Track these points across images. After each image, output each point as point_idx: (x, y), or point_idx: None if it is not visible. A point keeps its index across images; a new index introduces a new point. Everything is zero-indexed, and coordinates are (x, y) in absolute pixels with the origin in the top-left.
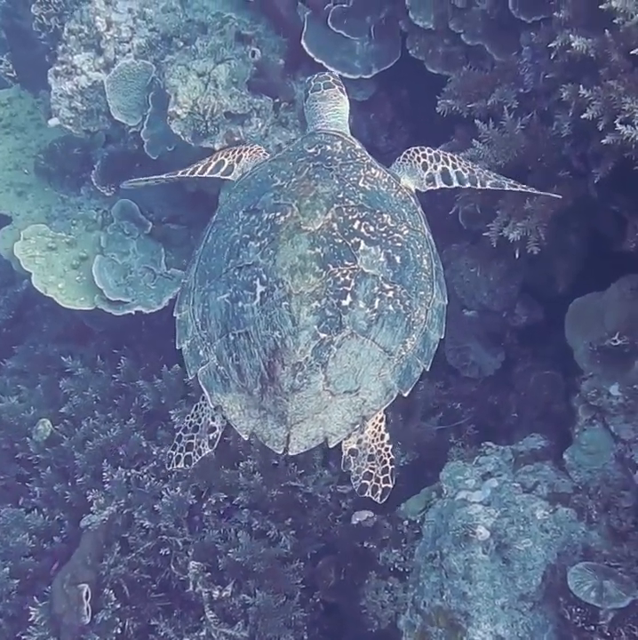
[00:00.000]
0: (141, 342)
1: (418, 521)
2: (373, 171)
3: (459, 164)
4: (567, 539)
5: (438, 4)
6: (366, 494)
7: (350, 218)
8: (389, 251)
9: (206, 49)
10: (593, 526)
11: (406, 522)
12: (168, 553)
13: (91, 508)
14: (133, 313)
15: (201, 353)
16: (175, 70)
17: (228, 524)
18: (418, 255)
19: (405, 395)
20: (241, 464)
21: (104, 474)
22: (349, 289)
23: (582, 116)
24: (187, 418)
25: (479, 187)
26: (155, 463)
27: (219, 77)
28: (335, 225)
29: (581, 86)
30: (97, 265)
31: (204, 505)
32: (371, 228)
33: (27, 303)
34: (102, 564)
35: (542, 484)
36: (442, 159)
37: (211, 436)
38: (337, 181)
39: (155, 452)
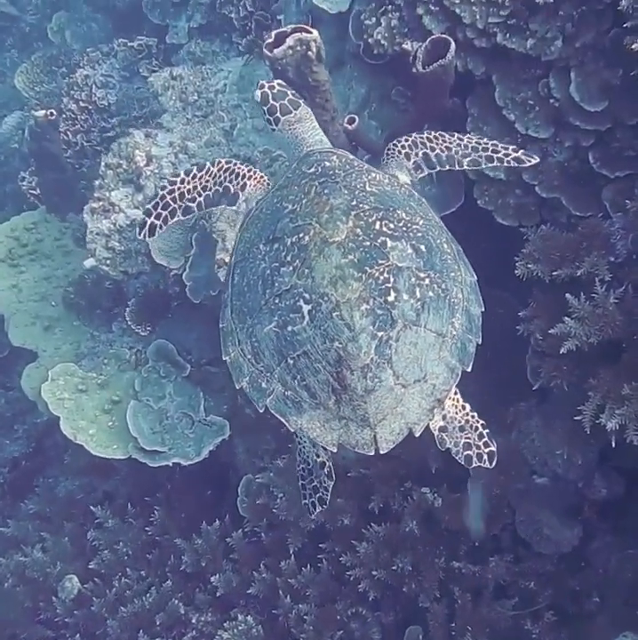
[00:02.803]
0: (174, 489)
1: None
2: (374, 174)
3: (438, 145)
4: None
5: None
6: (474, 464)
7: (370, 220)
8: (413, 242)
9: None
10: None
11: None
12: None
13: None
14: (170, 465)
15: (263, 385)
16: (222, 213)
17: None
18: (438, 241)
19: (469, 370)
20: None
21: None
22: (390, 285)
23: None
24: (298, 466)
25: (457, 168)
26: (194, 633)
27: None
28: (358, 230)
29: None
30: (131, 411)
31: None
32: (391, 225)
33: (47, 431)
34: None
35: None
36: (420, 144)
37: (325, 470)
38: (346, 191)
39: (194, 620)
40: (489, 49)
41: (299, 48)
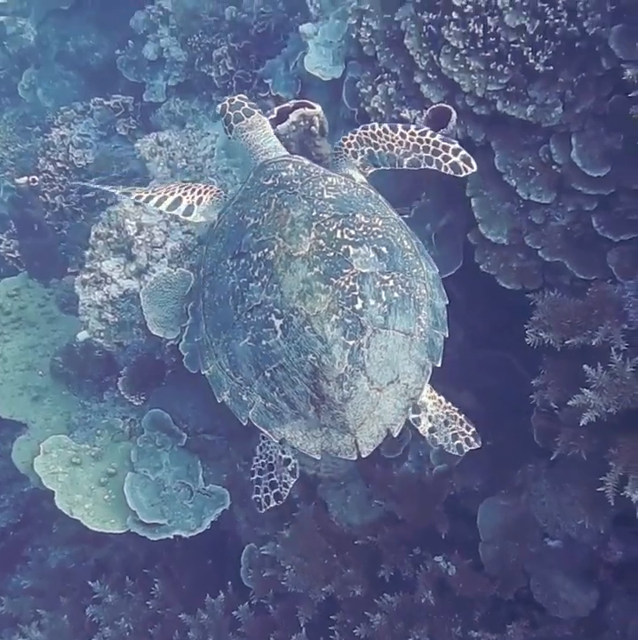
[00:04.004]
0: (174, 559)
1: None
2: (330, 179)
3: (381, 142)
4: None
5: (511, 218)
6: (465, 450)
7: (331, 230)
8: (375, 245)
9: None
10: None
11: None
12: None
13: None
14: (172, 537)
15: (244, 398)
16: None
17: None
18: (398, 239)
19: (438, 365)
20: None
21: None
22: (357, 293)
23: None
24: (256, 461)
25: (398, 168)
26: None
27: None
28: (321, 241)
29: None
30: (129, 483)
31: None
32: (352, 232)
33: (33, 500)
34: None
35: None
36: (365, 141)
37: (289, 467)
38: (305, 202)
39: None
40: (488, 116)
41: (302, 123)
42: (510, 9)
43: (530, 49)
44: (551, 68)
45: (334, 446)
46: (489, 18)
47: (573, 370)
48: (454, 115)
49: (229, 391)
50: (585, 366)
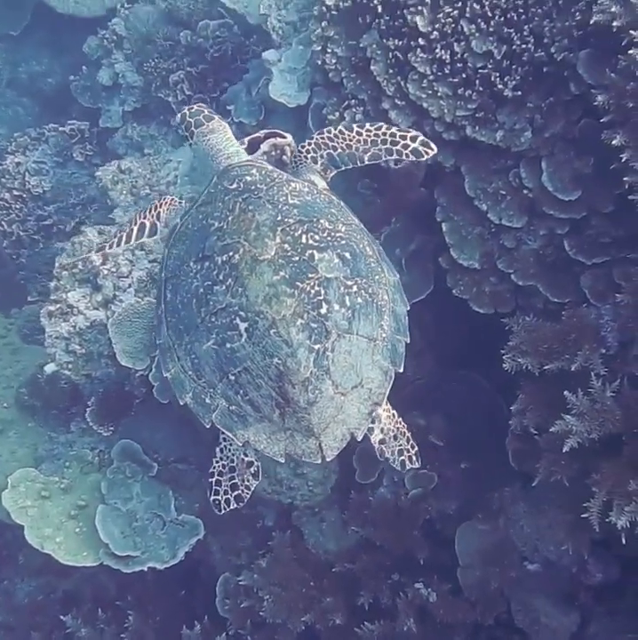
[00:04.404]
0: (145, 591)
1: None
2: (293, 185)
3: (339, 144)
4: None
5: (483, 242)
6: (407, 468)
7: (296, 234)
8: (338, 251)
9: None
10: None
11: None
12: None
13: None
14: (145, 569)
15: (207, 400)
16: None
17: None
18: (361, 245)
19: (401, 370)
20: None
21: None
22: (322, 297)
23: None
24: (216, 462)
25: (359, 165)
26: None
27: None
28: (286, 245)
29: None
30: (100, 515)
31: None
32: (317, 237)
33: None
34: None
35: None
36: (323, 146)
37: (252, 469)
38: (270, 206)
39: None
40: (457, 141)
41: (273, 153)
42: (476, 35)
43: (498, 74)
44: (519, 92)
45: (298, 450)
46: (455, 44)
47: (552, 395)
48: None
49: (192, 394)
50: (565, 392)
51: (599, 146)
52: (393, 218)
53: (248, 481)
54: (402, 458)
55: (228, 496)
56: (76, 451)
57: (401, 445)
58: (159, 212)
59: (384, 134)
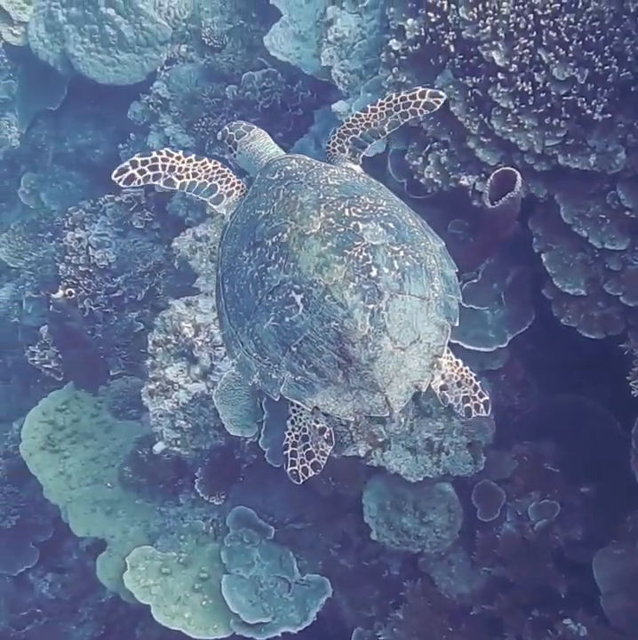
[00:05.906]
0: None
1: None
2: (333, 170)
3: (359, 127)
4: None
5: (586, 268)
6: (473, 415)
7: (339, 209)
8: (382, 222)
9: None
10: None
11: None
12: None
13: None
14: (280, 635)
15: (273, 376)
16: None
17: None
18: (403, 217)
19: (456, 324)
20: None
21: None
22: (370, 262)
23: None
24: (289, 435)
25: (381, 137)
26: None
27: None
28: (331, 219)
29: None
30: (226, 585)
31: None
32: (359, 210)
33: (112, 608)
34: None
35: None
36: (345, 134)
37: (324, 435)
38: (311, 188)
39: None
40: (549, 170)
41: None
42: (556, 62)
43: (584, 99)
44: (608, 114)
45: (366, 406)
46: (535, 74)
47: None
48: (519, 177)
49: (259, 373)
50: None
51: None
52: (490, 255)
53: (323, 447)
54: (468, 405)
55: (305, 464)
56: (189, 523)
57: (466, 392)
58: (231, 191)
59: (395, 102)
